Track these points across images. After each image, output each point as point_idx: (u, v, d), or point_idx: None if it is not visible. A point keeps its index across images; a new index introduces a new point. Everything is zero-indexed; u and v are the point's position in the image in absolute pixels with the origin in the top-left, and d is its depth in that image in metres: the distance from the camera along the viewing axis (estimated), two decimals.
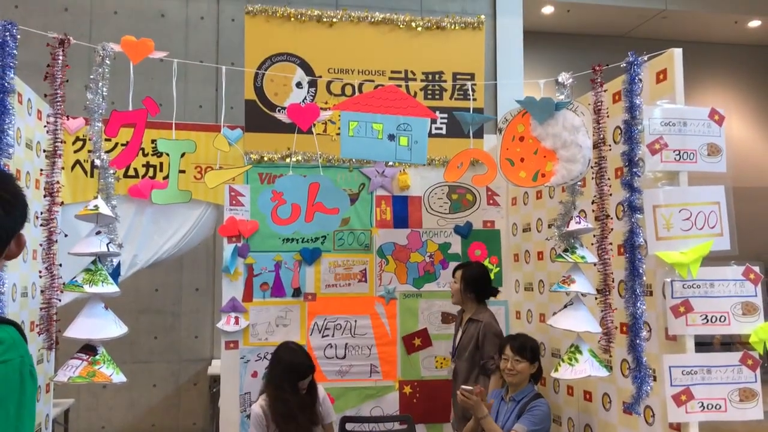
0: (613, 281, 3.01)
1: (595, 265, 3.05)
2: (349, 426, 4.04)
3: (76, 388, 5.81)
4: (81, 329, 2.63)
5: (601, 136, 3.04)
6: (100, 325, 2.66)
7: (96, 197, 2.61)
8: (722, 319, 2.83)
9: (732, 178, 3.10)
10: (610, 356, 3.14)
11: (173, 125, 3.05)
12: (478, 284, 3.91)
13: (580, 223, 3.00)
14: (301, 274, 4.38)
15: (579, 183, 3.12)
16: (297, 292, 4.36)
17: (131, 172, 4.23)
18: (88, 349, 2.67)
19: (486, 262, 4.55)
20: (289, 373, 3.46)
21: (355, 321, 4.41)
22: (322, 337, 4.36)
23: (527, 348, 3.42)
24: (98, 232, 2.60)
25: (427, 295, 4.52)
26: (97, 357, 2.64)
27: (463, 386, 3.36)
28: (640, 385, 2.87)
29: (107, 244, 2.58)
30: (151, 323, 6.87)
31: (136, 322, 6.69)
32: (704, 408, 2.78)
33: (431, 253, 4.55)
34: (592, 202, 3.07)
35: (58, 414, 4.58)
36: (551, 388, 4.03)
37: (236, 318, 4.25)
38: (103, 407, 6.72)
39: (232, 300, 4.27)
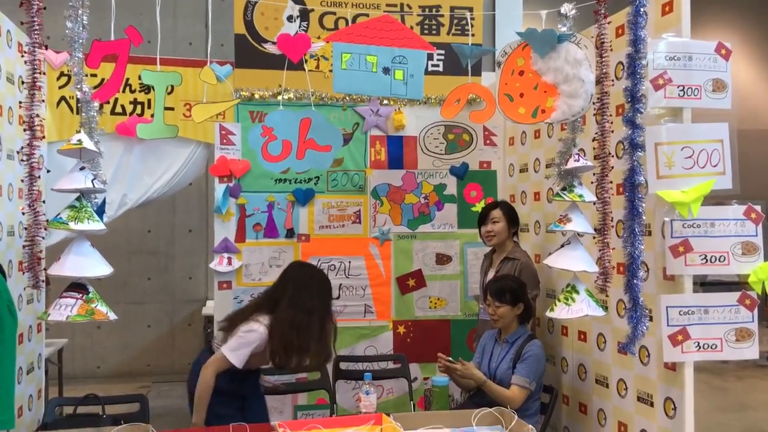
0: (612, 220, 2.95)
1: (594, 204, 2.98)
2: (343, 365, 4.05)
3: (69, 328, 5.81)
4: (70, 267, 2.56)
5: (604, 71, 2.93)
6: (89, 264, 2.59)
7: (79, 131, 2.50)
8: (721, 259, 2.79)
9: (736, 115, 3.01)
10: (607, 296, 3.11)
11: (157, 60, 2.92)
12: (517, 218, 3.91)
13: (579, 160, 2.92)
14: (295, 215, 4.32)
15: (579, 120, 3.03)
16: (290, 233, 4.31)
17: (118, 109, 4.12)
18: (79, 287, 2.61)
19: (481, 204, 4.49)
20: (326, 292, 3.10)
21: (350, 262, 4.38)
22: None
23: (505, 291, 3.38)
24: (82, 168, 2.51)
25: (422, 236, 4.47)
26: (90, 295, 2.58)
27: (441, 354, 3.40)
28: (636, 325, 2.84)
29: (92, 180, 2.50)
30: (144, 264, 6.85)
31: (128, 263, 6.67)
32: (700, 348, 2.76)
33: (426, 195, 4.49)
34: (593, 140, 2.98)
35: (51, 353, 4.57)
36: (545, 328, 4.02)
37: (229, 258, 4.21)
38: (97, 347, 6.76)
39: (225, 240, 4.21)
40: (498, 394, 3.22)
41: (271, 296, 3.15)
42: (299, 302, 3.03)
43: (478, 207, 4.48)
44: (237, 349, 2.96)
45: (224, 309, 4.18)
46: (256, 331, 2.99)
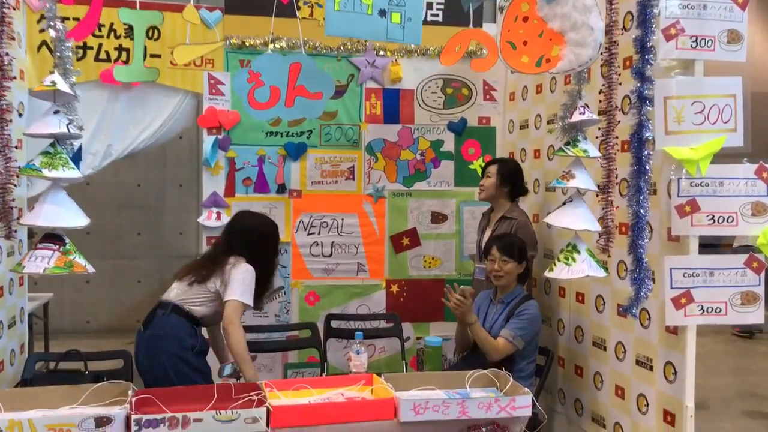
0: (616, 177, 2.81)
1: (598, 160, 2.84)
2: (334, 323, 3.97)
3: (57, 282, 5.71)
4: (45, 217, 2.42)
5: (614, 18, 2.76)
6: (65, 214, 2.44)
7: (52, 72, 2.34)
8: (729, 220, 2.66)
9: (750, 74, 2.86)
10: (609, 257, 2.99)
11: (137, 3, 2.74)
12: (515, 179, 3.74)
13: (584, 114, 2.76)
14: (286, 170, 4.18)
15: (585, 71, 2.86)
16: (282, 189, 4.18)
17: (103, 56, 3.92)
18: (54, 238, 2.47)
19: (479, 162, 4.36)
20: (276, 243, 3.30)
21: (342, 219, 4.26)
22: (308, 234, 4.22)
23: (515, 246, 3.28)
24: (56, 112, 2.36)
25: (417, 194, 4.35)
26: (68, 246, 2.45)
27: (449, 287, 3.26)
28: (639, 287, 2.72)
29: (67, 125, 2.34)
30: (133, 219, 6.73)
31: (117, 218, 6.55)
32: (704, 311, 2.66)
33: (422, 151, 4.35)
34: (600, 92, 2.83)
35: (35, 307, 4.46)
36: (542, 288, 3.93)
37: (218, 213, 4.09)
38: (87, 303, 6.68)
39: (213, 195, 4.09)
40: (483, 338, 3.15)
41: (242, 245, 3.13)
42: (272, 251, 3.25)
43: (476, 165, 4.35)
44: (247, 291, 2.99)
45: None
46: (250, 270, 3.03)
